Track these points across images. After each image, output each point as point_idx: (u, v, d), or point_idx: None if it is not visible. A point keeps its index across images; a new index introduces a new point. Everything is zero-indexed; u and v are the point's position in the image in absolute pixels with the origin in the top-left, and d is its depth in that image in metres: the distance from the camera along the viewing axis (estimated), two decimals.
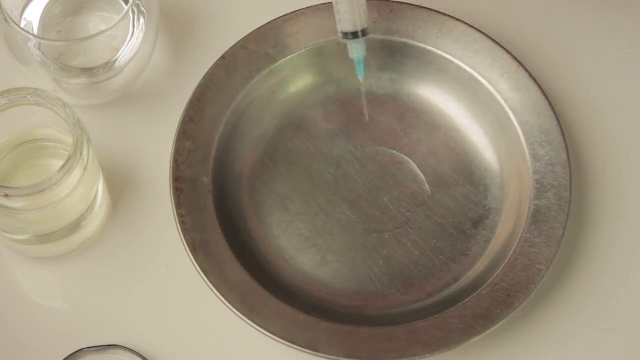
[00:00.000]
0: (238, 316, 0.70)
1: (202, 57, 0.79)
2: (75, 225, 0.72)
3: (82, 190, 0.70)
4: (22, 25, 0.77)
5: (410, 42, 0.78)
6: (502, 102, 0.77)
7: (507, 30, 0.81)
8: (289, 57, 0.78)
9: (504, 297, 0.71)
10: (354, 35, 0.74)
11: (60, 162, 0.67)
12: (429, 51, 0.78)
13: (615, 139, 0.79)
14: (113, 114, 0.79)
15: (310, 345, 0.69)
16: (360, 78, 0.76)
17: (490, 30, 0.79)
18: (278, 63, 0.78)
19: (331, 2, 0.78)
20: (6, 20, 0.72)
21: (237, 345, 0.72)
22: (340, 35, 0.75)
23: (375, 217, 0.75)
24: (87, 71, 0.76)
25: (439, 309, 0.72)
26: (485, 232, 0.75)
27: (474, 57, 0.78)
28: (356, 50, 0.75)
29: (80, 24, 0.79)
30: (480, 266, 0.74)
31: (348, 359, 0.69)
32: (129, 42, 0.77)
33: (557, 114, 0.76)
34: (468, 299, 0.71)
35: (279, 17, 0.78)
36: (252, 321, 0.70)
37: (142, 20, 0.77)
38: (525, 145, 0.75)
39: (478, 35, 0.78)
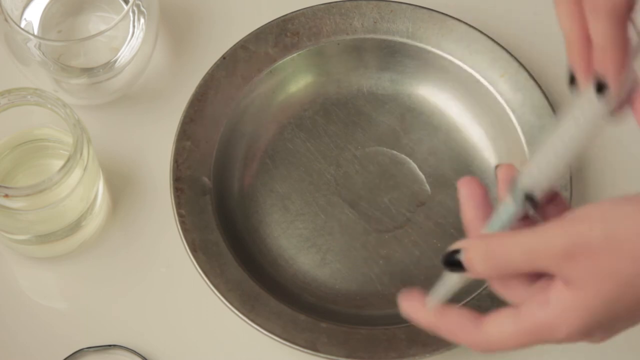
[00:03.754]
0: (238, 316, 0.70)
1: (202, 57, 0.79)
2: (75, 225, 0.72)
3: (82, 190, 0.70)
4: (22, 25, 0.77)
5: (410, 42, 0.78)
6: (502, 102, 0.77)
7: (507, 30, 0.81)
8: (289, 57, 0.78)
9: None
10: (531, 201, 0.54)
11: (60, 162, 0.67)
12: (429, 51, 0.78)
13: (615, 138, 0.79)
14: (113, 114, 0.79)
15: (310, 345, 0.69)
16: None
17: (490, 30, 0.79)
18: (278, 63, 0.78)
19: (330, 3, 0.78)
20: (6, 20, 0.72)
21: (237, 345, 0.72)
22: (516, 188, 0.55)
23: (375, 217, 0.75)
24: (87, 71, 0.76)
25: None
26: None
27: (474, 57, 0.78)
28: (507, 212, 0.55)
29: (80, 24, 0.79)
30: None
31: (348, 359, 0.69)
32: (129, 42, 0.77)
33: (557, 114, 0.76)
34: (468, 299, 0.71)
35: (279, 17, 0.78)
36: (252, 321, 0.69)
37: (142, 20, 0.77)
38: (525, 145, 0.75)
39: (478, 35, 0.78)
